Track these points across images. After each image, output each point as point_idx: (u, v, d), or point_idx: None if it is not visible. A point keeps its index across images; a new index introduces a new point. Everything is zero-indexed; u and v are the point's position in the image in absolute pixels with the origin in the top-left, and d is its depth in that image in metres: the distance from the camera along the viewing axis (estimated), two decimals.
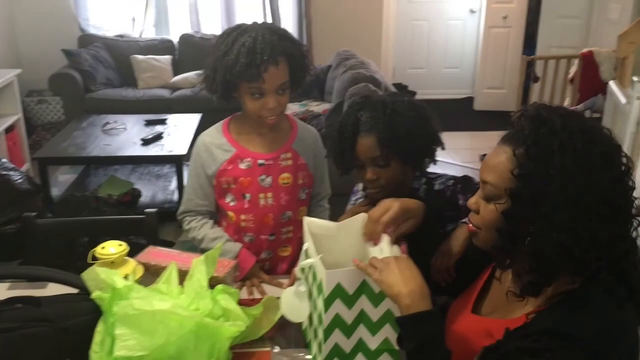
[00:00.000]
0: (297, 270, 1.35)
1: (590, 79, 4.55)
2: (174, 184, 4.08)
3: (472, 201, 1.13)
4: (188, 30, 5.81)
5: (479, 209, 1.10)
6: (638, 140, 2.76)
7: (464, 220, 1.40)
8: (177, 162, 3.67)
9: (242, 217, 1.75)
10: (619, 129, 2.88)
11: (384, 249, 1.25)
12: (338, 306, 1.17)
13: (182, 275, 1.31)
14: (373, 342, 1.22)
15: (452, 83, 7.02)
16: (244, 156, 1.73)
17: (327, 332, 1.19)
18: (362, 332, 1.22)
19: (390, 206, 1.29)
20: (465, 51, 6.93)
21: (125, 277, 1.31)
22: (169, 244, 3.04)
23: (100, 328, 1.16)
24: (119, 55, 5.53)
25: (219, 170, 1.73)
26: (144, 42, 5.70)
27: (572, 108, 4.55)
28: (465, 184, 1.57)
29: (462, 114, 6.37)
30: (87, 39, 5.54)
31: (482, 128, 5.83)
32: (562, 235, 0.96)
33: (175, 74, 5.51)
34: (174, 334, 1.06)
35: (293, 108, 4.59)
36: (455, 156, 5.01)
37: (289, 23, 5.80)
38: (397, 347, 1.21)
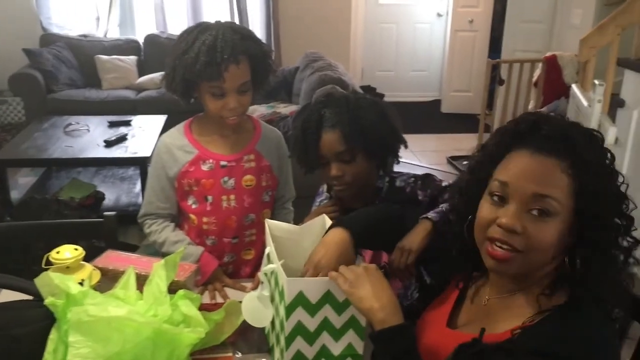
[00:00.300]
0: (260, 274, 1.32)
1: (554, 83, 4.64)
2: (138, 186, 4.00)
3: (515, 222, 0.97)
4: (154, 30, 5.73)
5: (525, 230, 0.97)
6: None
7: (424, 215, 1.39)
8: (141, 164, 3.60)
9: (205, 219, 1.72)
10: None
11: None
12: (300, 314, 1.15)
13: (142, 280, 1.28)
14: (336, 348, 1.21)
15: (419, 86, 7.08)
16: (206, 158, 1.70)
17: (289, 340, 1.17)
18: (325, 339, 1.20)
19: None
20: (433, 54, 7.00)
21: (81, 283, 1.27)
22: (133, 248, 2.98)
23: (53, 336, 1.12)
24: (83, 55, 5.41)
25: (181, 172, 1.70)
26: (109, 42, 5.60)
27: (536, 111, 4.62)
28: (426, 181, 1.57)
29: (429, 117, 6.44)
30: (49, 39, 5.41)
31: (449, 130, 5.90)
32: (606, 256, 0.98)
33: (141, 74, 5.42)
34: (130, 341, 1.02)
35: (260, 110, 4.56)
36: (422, 158, 5.04)
37: (256, 24, 5.77)
38: (360, 352, 1.20)
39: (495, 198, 1.01)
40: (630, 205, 1.01)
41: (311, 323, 1.17)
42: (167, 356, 1.07)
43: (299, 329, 1.17)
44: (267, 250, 1.28)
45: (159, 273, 1.22)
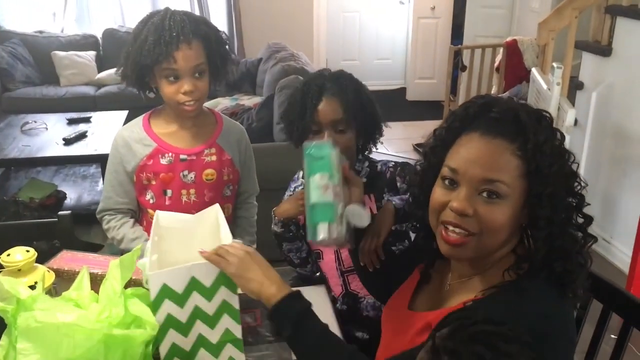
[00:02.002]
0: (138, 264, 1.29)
1: (515, 67, 4.68)
2: (100, 184, 3.92)
3: (466, 205, 0.97)
4: (112, 24, 5.60)
5: (475, 212, 0.97)
6: (559, 126, 2.85)
7: (389, 198, 1.45)
8: (102, 161, 3.50)
9: None
10: None
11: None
12: (168, 306, 1.12)
13: (99, 279, 1.24)
14: (214, 336, 1.18)
15: (384, 74, 7.08)
16: (165, 151, 1.66)
17: (161, 334, 1.14)
18: (200, 328, 1.17)
19: None
20: (396, 42, 7.01)
21: (34, 285, 1.23)
22: (97, 247, 2.92)
23: (4, 342, 1.08)
24: (39, 52, 5.28)
25: (139, 165, 1.66)
26: (66, 38, 5.47)
27: (499, 96, 4.67)
28: (405, 169, 1.61)
29: (395, 105, 6.44)
30: (3, 35, 5.26)
31: (415, 118, 5.92)
32: (560, 230, 0.98)
33: (100, 70, 5.30)
34: (81, 346, 0.99)
35: (224, 103, 4.51)
36: (389, 147, 5.05)
37: (218, 16, 5.69)
38: (239, 336, 1.20)
39: (447, 182, 1.02)
40: (582, 183, 1.02)
41: (181, 314, 1.14)
42: (121, 356, 1.04)
43: (170, 322, 1.14)
44: (147, 244, 1.26)
45: (114, 273, 1.18)
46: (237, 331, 1.19)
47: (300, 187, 1.68)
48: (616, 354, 1.29)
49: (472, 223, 0.98)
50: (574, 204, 1.01)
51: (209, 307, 1.16)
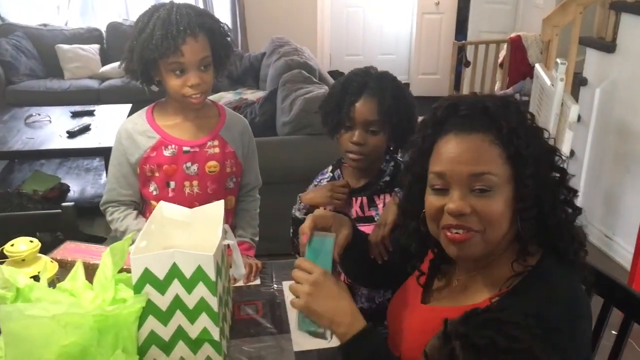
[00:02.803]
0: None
1: (519, 63, 4.68)
2: (104, 177, 3.93)
3: (462, 205, 0.98)
4: (116, 18, 5.62)
5: (474, 210, 0.98)
6: (562, 122, 2.84)
7: (396, 191, 1.48)
8: (106, 154, 3.51)
9: None
10: (545, 110, 2.96)
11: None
12: (149, 290, 1.12)
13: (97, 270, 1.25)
14: (193, 331, 1.17)
15: (388, 69, 6.86)
16: (168, 143, 1.67)
17: (142, 320, 1.14)
18: (180, 319, 1.16)
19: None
20: (400, 38, 6.99)
21: (37, 275, 1.23)
22: (100, 240, 2.93)
23: None
24: (43, 45, 5.29)
25: (143, 157, 1.67)
26: (70, 31, 5.48)
27: (502, 92, 4.66)
28: None
29: None
30: (7, 28, 5.27)
31: (418, 113, 5.90)
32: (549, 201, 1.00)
33: (104, 63, 5.32)
34: (73, 333, 0.99)
35: (227, 97, 4.51)
36: None
37: (221, 10, 5.69)
38: (216, 338, 1.17)
39: (437, 188, 1.02)
40: (563, 157, 1.05)
41: (162, 301, 1.13)
42: (112, 340, 1.05)
43: (150, 308, 1.13)
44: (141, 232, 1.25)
45: (105, 261, 1.18)
46: (215, 333, 1.17)
47: (326, 180, 1.69)
48: (616, 349, 1.29)
49: (473, 221, 0.98)
50: (558, 178, 1.03)
51: (189, 300, 1.14)
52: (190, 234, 1.32)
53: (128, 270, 1.25)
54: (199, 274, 1.13)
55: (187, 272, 1.12)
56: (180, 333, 1.17)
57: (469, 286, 1.08)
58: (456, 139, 1.00)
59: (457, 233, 1.00)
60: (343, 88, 1.53)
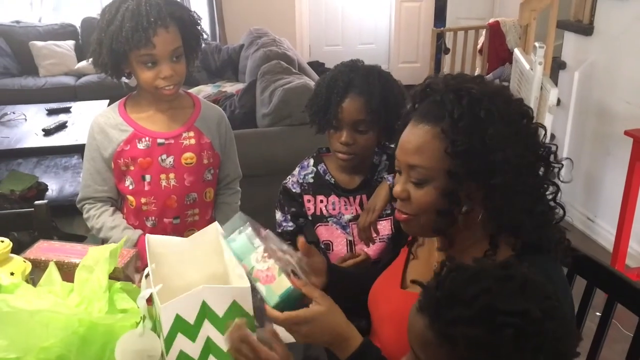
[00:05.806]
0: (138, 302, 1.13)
1: (498, 49, 4.68)
2: None
3: (399, 190, 1.05)
4: (91, 13, 5.51)
5: (409, 196, 1.04)
6: (542, 105, 2.84)
7: (385, 176, 1.50)
8: (83, 151, 3.45)
9: (143, 200, 1.66)
10: (525, 95, 2.96)
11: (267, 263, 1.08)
12: (181, 342, 1.00)
13: (73, 268, 1.22)
14: None
15: (368, 59, 6.75)
16: (142, 135, 1.63)
17: None
18: None
19: None
20: (379, 27, 6.95)
21: (11, 275, 1.20)
22: (80, 238, 2.89)
23: None
24: (17, 42, 5.20)
25: (116, 151, 1.63)
26: (44, 28, 5.39)
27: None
28: None
29: None
30: None
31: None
32: (517, 197, 0.98)
33: (79, 59, 5.24)
34: (54, 335, 0.96)
35: (206, 90, 4.46)
36: None
37: (199, 2, 5.61)
38: None
39: (397, 170, 1.09)
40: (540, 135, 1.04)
41: (194, 349, 1.01)
42: (99, 350, 1.01)
43: (183, 359, 1.01)
44: (145, 271, 1.13)
45: (102, 267, 1.14)
46: None
47: (311, 175, 1.61)
48: (601, 329, 1.29)
49: (407, 206, 1.05)
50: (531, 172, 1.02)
51: (222, 342, 1.02)
52: (193, 266, 1.20)
53: (116, 270, 1.21)
54: (235, 311, 1.01)
55: (220, 310, 1.00)
56: None
57: None
58: (410, 127, 1.05)
59: (399, 212, 1.08)
60: (329, 87, 1.48)
